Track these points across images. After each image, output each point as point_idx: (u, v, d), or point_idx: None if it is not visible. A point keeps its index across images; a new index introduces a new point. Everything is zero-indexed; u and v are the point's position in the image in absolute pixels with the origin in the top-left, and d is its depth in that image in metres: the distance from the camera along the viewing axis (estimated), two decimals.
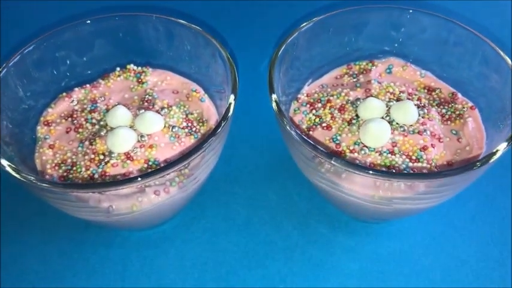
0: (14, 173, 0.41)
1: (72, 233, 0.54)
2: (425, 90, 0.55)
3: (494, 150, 0.41)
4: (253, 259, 0.52)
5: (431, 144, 0.48)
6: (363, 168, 0.40)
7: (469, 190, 0.56)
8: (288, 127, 0.44)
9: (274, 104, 0.46)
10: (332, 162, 0.41)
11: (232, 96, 0.47)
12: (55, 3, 0.83)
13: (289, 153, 0.58)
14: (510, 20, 0.76)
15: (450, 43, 0.53)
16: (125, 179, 0.41)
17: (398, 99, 0.51)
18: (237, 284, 0.50)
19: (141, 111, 0.51)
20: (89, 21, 0.54)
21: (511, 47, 0.60)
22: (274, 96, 0.47)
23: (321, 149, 0.42)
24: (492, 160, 0.40)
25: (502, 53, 0.48)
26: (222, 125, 0.45)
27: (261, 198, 0.57)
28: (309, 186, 0.57)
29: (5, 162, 0.42)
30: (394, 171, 0.46)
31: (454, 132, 0.51)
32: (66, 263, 0.52)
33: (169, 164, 0.42)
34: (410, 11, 0.54)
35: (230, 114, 0.46)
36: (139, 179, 0.40)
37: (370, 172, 0.40)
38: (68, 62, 0.56)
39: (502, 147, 0.41)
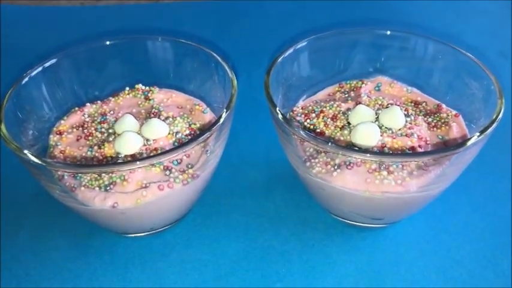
0: (34, 158, 0.45)
1: (76, 239, 0.56)
2: (412, 104, 0.59)
3: (468, 138, 0.45)
4: (252, 261, 0.53)
5: (419, 145, 0.51)
6: (360, 151, 0.44)
7: (462, 195, 0.59)
8: (295, 128, 0.48)
9: (279, 115, 0.49)
10: (328, 148, 0.45)
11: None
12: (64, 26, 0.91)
13: (286, 169, 0.61)
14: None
15: (428, 57, 0.58)
16: (127, 161, 0.45)
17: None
18: (236, 283, 0.51)
19: (147, 121, 0.55)
20: (108, 42, 0.60)
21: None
22: (277, 108, 0.49)
23: (321, 139, 0.46)
24: (467, 145, 0.44)
25: (474, 59, 0.54)
26: (222, 117, 0.49)
27: (260, 209, 0.59)
28: (307, 198, 0.60)
29: (26, 151, 0.46)
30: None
31: (440, 137, 0.54)
32: (69, 266, 0.53)
33: (168, 150, 0.45)
34: (388, 32, 0.59)
35: (229, 111, 0.50)
36: (138, 162, 0.44)
37: (368, 155, 0.44)
38: (81, 81, 0.61)
39: (476, 135, 0.45)
